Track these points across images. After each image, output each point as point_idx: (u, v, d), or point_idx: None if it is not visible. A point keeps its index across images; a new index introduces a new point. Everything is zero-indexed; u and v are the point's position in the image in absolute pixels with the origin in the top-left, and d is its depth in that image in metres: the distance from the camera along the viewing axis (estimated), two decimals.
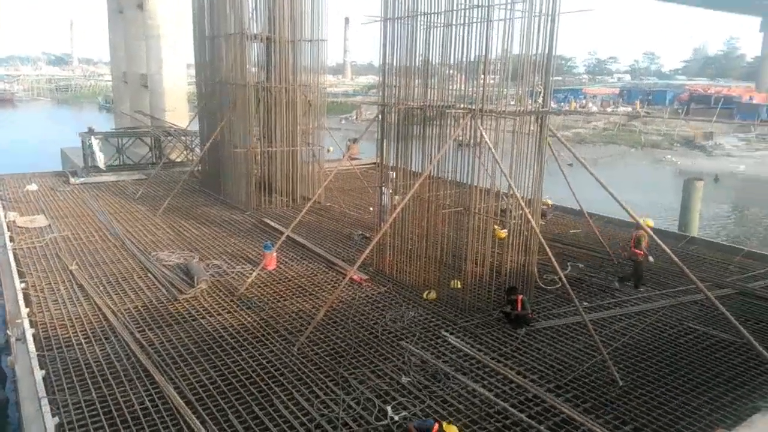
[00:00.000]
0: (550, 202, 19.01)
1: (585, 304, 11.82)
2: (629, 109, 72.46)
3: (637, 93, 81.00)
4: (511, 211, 11.65)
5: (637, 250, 12.74)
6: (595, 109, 74.36)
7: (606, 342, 10.08)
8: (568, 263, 14.27)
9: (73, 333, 9.89)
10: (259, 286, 12.32)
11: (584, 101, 79.01)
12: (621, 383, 8.80)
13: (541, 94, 11.34)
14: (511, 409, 7.96)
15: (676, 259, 10.46)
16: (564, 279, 10.10)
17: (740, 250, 15.91)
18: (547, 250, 10.48)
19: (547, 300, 12.09)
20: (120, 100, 37.43)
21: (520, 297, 10.62)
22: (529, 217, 10.75)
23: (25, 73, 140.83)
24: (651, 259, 13.11)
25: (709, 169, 45.24)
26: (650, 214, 18.92)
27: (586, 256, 15.06)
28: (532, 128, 11.29)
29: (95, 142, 24.55)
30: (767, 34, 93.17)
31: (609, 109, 73.93)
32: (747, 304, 12.14)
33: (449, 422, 7.18)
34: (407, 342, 9.80)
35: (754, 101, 66.97)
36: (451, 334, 10.19)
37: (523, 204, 10.64)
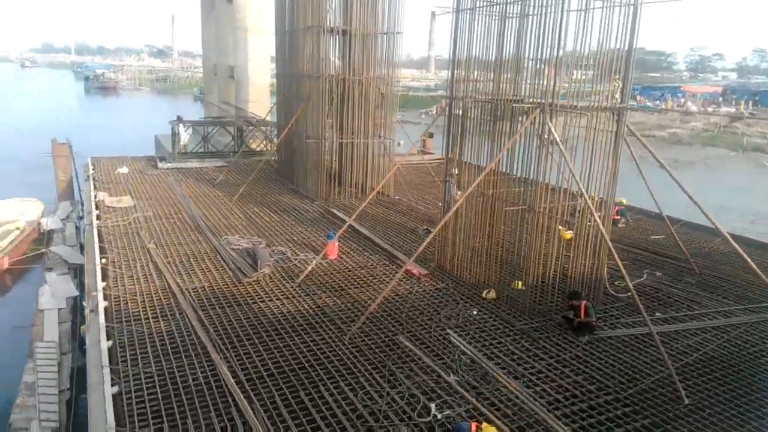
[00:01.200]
0: (625, 201, 18.04)
1: (657, 314, 11.10)
2: (732, 109, 67.40)
3: (742, 92, 75.21)
4: (580, 212, 11.10)
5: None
6: (694, 108, 69.78)
7: (676, 356, 9.42)
8: (645, 271, 13.47)
9: (142, 308, 10.47)
10: (319, 275, 12.51)
11: (683, 100, 74.33)
12: (687, 401, 8.18)
13: (620, 89, 10.71)
14: (552, 421, 7.60)
15: (754, 266, 9.61)
16: (631, 286, 9.51)
17: None
18: (614, 255, 9.91)
19: (616, 308, 11.45)
20: (209, 91, 39.18)
21: (584, 303, 10.11)
22: (597, 219, 10.21)
23: (129, 63, 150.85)
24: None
25: None
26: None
27: (666, 264, 14.15)
28: (608, 125, 10.69)
29: (181, 129, 25.86)
30: None
31: (710, 109, 69.12)
32: None
33: (488, 423, 6.97)
34: (455, 336, 9.58)
35: None
36: (461, 336, 9.84)
37: (591, 205, 10.11)
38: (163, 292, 11.23)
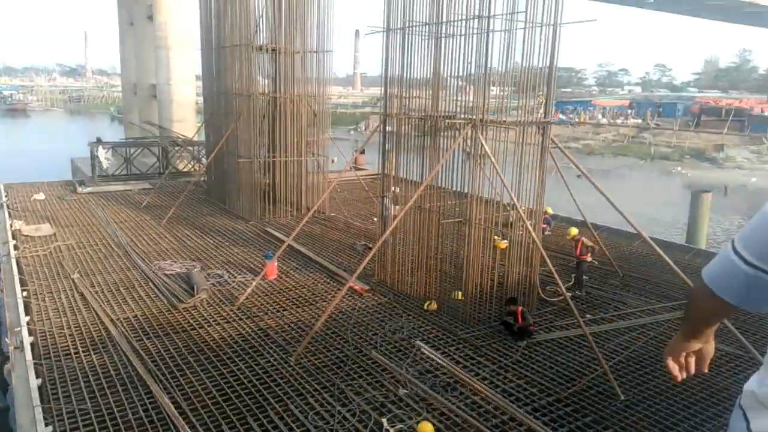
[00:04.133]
0: (550, 210, 18.91)
1: (588, 316, 11.68)
2: (639, 120, 72.19)
3: (647, 105, 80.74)
4: (512, 223, 11.57)
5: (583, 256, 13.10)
6: (604, 120, 74.16)
7: (608, 355, 9.93)
8: (572, 275, 14.12)
9: (71, 341, 9.88)
10: (259, 296, 12.29)
11: (594, 113, 78.84)
12: (623, 397, 8.66)
13: (543, 105, 11.30)
14: (518, 418, 7.84)
15: (675, 267, 10.33)
16: (564, 291, 9.99)
17: None
18: (548, 261, 10.39)
19: (549, 312, 11.96)
20: (130, 111, 37.81)
21: (520, 308, 10.50)
22: (530, 228, 10.67)
23: (39, 83, 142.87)
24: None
25: (720, 182, 44.90)
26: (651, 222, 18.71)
27: (591, 269, 14.90)
28: (533, 139, 11.23)
29: (101, 150, 24.76)
30: None
31: (619, 121, 73.69)
32: (753, 317, 11.94)
33: (423, 419, 7.13)
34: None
35: (766, 113, 66.47)
36: (426, 343, 10.04)
37: (523, 215, 10.57)
38: (92, 324, 10.66)
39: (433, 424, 7.50)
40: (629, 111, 79.59)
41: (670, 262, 10.29)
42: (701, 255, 16.76)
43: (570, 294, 11.02)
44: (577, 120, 73.03)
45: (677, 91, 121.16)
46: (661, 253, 10.36)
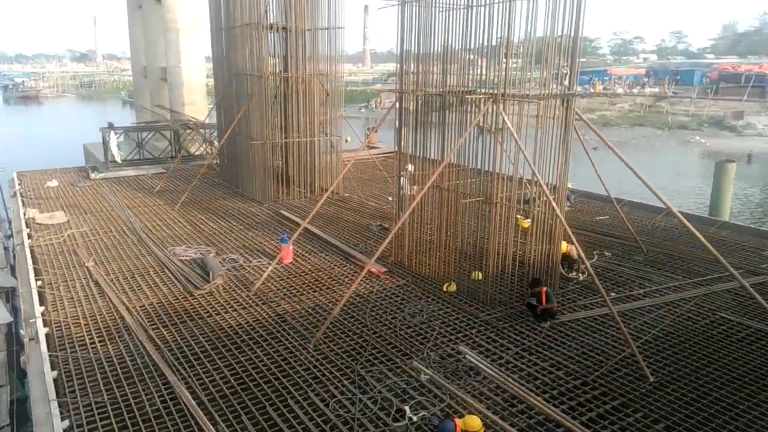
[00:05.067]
0: (570, 185, 18.44)
1: (612, 294, 11.34)
2: (656, 89, 70.53)
3: (664, 73, 78.80)
4: (535, 200, 11.17)
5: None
6: (621, 90, 72.56)
7: (635, 335, 9.61)
8: (594, 252, 13.76)
9: (86, 331, 9.77)
10: (275, 281, 12.09)
11: (610, 82, 77.17)
12: (652, 378, 8.35)
13: (567, 77, 10.80)
14: (539, 405, 7.59)
15: (706, 243, 9.91)
16: (590, 268, 9.63)
17: None
18: (572, 238, 10.05)
19: (572, 291, 11.63)
20: (140, 95, 37.48)
21: (545, 289, 10.18)
22: (554, 204, 10.28)
23: (50, 70, 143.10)
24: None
25: (740, 150, 43.78)
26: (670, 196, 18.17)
27: (614, 244, 14.52)
28: (557, 112, 10.78)
29: (113, 138, 24.59)
30: None
31: (635, 90, 72.06)
32: None
33: (469, 412, 6.86)
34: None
35: None
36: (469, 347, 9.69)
37: (547, 191, 10.18)
38: (108, 313, 10.53)
39: (461, 413, 7.27)
40: (645, 80, 77.75)
41: (700, 237, 9.87)
42: (726, 227, 16.26)
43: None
44: (591, 90, 71.50)
45: (694, 58, 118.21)
46: (693, 229, 9.94)
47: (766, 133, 51.89)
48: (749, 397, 7.96)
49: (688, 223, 10.16)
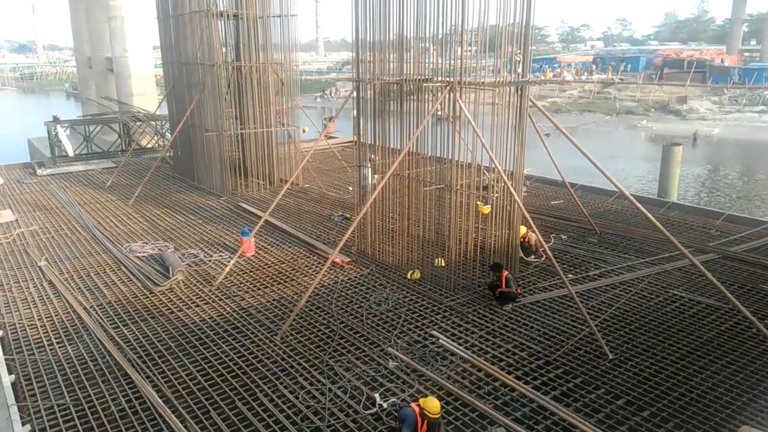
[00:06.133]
0: (526, 171, 18.83)
1: (570, 276, 11.69)
2: (603, 76, 72.44)
3: (610, 60, 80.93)
4: (493, 186, 11.37)
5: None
6: (570, 77, 74.17)
7: (593, 314, 9.96)
8: (551, 235, 14.13)
9: (44, 333, 9.46)
10: (238, 274, 11.95)
11: (559, 70, 78.78)
12: (611, 356, 8.69)
13: (520, 64, 11.00)
14: (509, 383, 7.79)
15: (658, 224, 10.32)
16: (549, 252, 9.91)
17: (721, 213, 15.93)
18: (531, 223, 10.30)
19: (531, 274, 11.93)
20: (86, 86, 36.08)
21: (505, 274, 10.41)
22: (512, 190, 10.50)
23: None
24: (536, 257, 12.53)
25: (684, 133, 45.56)
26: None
27: (569, 227, 14.94)
28: (512, 100, 10.97)
29: (61, 131, 23.64)
30: None
31: (583, 77, 73.80)
32: (730, 268, 12.14)
33: (425, 396, 7.01)
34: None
35: (726, 64, 67.36)
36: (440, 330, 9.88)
37: (505, 177, 10.37)
38: (65, 314, 10.21)
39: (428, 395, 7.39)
40: (593, 66, 79.68)
41: (651, 218, 10.27)
42: (674, 208, 16.95)
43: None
44: (542, 78, 72.84)
45: (638, 45, 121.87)
46: (644, 210, 10.33)
47: (708, 117, 54.11)
48: (702, 370, 8.38)
49: (639, 205, 10.56)
